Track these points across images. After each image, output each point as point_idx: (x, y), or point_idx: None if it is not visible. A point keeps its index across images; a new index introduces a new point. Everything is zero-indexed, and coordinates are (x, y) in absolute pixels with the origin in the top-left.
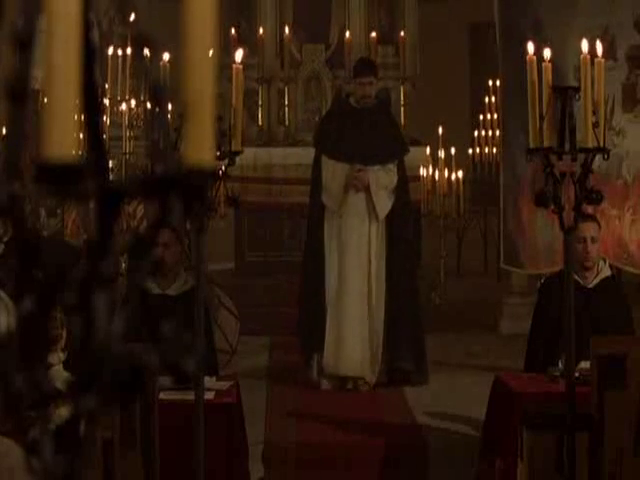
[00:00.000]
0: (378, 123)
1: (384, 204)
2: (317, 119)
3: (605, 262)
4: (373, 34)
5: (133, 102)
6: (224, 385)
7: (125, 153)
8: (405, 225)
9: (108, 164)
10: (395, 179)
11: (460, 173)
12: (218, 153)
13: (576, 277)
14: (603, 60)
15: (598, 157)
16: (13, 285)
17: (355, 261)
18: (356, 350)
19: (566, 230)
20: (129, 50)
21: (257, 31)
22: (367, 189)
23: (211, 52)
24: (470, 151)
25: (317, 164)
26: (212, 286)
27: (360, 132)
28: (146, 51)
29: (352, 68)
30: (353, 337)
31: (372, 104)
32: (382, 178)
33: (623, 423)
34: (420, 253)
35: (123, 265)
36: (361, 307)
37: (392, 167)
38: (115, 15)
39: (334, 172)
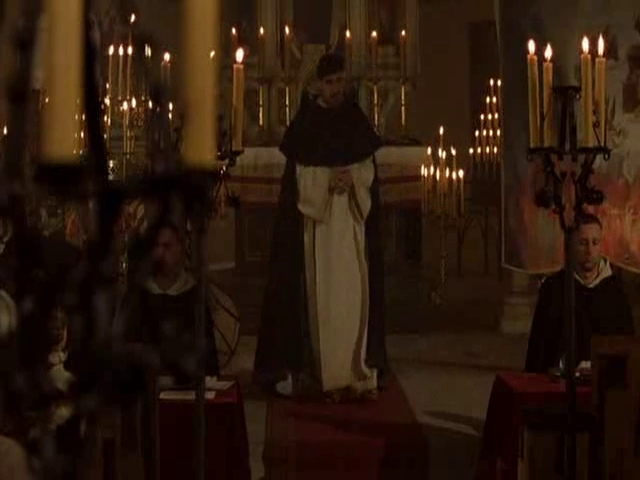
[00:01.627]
0: (350, 120)
1: (367, 202)
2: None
3: (606, 262)
4: (373, 34)
5: (134, 102)
6: (225, 385)
7: (125, 153)
8: (372, 219)
9: (108, 164)
10: (372, 175)
11: (461, 173)
12: (219, 153)
13: (577, 277)
14: (604, 60)
15: (599, 157)
16: (14, 285)
17: (343, 266)
18: (348, 359)
19: (567, 230)
20: (130, 50)
21: (258, 31)
22: (351, 189)
23: (212, 52)
24: (471, 151)
25: (288, 171)
26: (210, 286)
27: (334, 132)
28: (147, 51)
29: (317, 67)
30: (346, 347)
31: (341, 102)
32: (363, 175)
33: (623, 423)
34: (421, 253)
35: (123, 265)
36: (351, 315)
37: (369, 163)
38: (116, 15)
39: (315, 179)
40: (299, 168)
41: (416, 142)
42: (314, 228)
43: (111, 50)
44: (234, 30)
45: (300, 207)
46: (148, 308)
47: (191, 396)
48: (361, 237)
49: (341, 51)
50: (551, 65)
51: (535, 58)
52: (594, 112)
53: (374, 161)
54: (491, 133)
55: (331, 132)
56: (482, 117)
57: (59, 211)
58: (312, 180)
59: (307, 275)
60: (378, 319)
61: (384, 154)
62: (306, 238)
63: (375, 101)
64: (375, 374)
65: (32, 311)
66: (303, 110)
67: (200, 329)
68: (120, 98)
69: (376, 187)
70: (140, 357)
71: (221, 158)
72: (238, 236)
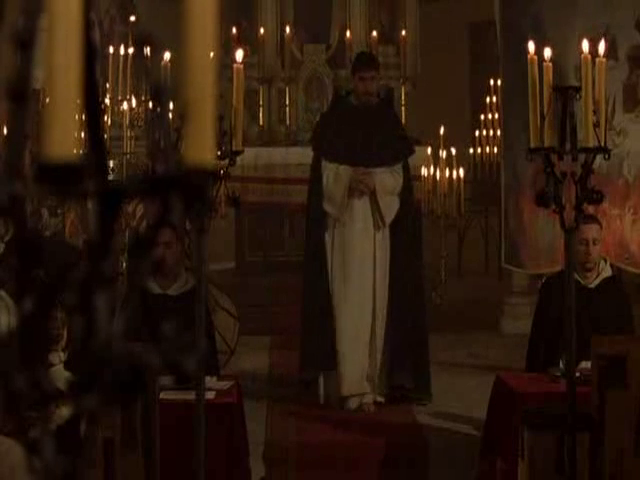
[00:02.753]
0: (382, 122)
1: (391, 209)
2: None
3: (606, 262)
4: (374, 34)
5: (134, 102)
6: (225, 385)
7: (126, 153)
8: (408, 231)
9: (108, 164)
10: (401, 182)
11: (461, 172)
12: (219, 153)
13: (577, 277)
14: (604, 60)
15: (599, 157)
16: (14, 285)
17: (358, 271)
18: (358, 367)
19: (567, 230)
20: (130, 50)
21: (258, 31)
22: (373, 193)
23: (212, 52)
24: (471, 151)
25: (315, 168)
26: (210, 287)
27: (363, 132)
28: (147, 51)
29: (351, 63)
30: (355, 353)
31: (374, 102)
32: (388, 181)
33: (624, 423)
34: (421, 253)
35: (123, 265)
36: (363, 320)
37: (398, 169)
38: (116, 14)
39: (336, 175)
40: (324, 163)
41: (416, 142)
42: (334, 230)
43: (111, 50)
44: (234, 30)
45: (324, 205)
46: (148, 308)
47: (191, 396)
48: (382, 245)
49: (341, 51)
50: (551, 65)
51: (535, 58)
52: (594, 112)
53: (407, 169)
54: (491, 133)
55: (358, 131)
56: (482, 117)
57: (59, 211)
58: (334, 177)
59: (330, 278)
60: (409, 332)
61: None
62: (327, 239)
63: None
64: (370, 388)
65: (32, 311)
66: (333, 105)
67: (200, 329)
68: (120, 98)
69: (409, 194)
70: (140, 357)
71: (221, 158)
72: (238, 236)
